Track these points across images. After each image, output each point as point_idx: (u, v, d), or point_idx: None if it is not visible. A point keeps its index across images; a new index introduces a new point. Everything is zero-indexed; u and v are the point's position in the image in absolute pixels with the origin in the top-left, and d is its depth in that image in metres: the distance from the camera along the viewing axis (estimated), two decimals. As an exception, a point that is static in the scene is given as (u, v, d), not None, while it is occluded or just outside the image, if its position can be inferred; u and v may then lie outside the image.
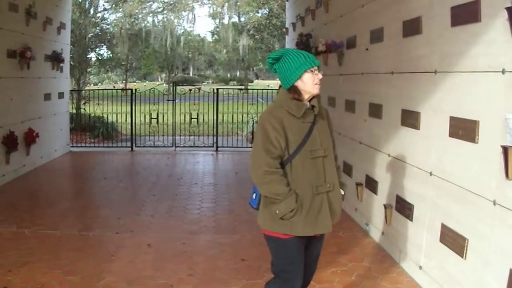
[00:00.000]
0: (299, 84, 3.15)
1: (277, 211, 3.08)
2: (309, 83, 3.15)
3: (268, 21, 24.95)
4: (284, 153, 3.11)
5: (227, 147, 12.93)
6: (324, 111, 3.37)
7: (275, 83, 27.27)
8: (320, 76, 3.18)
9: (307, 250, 3.33)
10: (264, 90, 15.10)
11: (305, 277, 3.41)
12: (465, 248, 3.74)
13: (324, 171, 3.18)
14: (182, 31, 39.12)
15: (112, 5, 24.00)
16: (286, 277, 3.27)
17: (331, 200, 3.20)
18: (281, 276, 3.29)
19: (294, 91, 3.17)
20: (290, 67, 3.15)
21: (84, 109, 15.74)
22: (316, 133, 3.17)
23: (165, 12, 29.94)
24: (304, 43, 9.13)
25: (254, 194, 3.31)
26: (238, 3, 28.82)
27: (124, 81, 44.06)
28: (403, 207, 4.94)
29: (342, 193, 3.36)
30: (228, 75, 59.82)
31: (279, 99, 3.25)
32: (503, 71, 3.30)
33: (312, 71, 3.16)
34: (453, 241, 3.92)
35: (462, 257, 3.78)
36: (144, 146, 13.01)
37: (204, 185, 8.67)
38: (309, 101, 3.21)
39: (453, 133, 3.96)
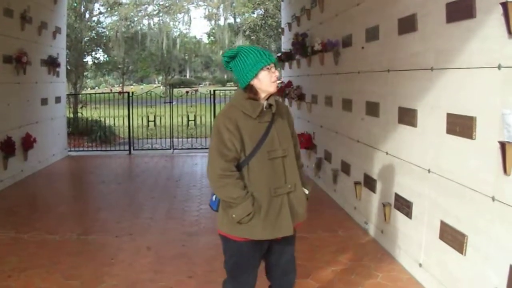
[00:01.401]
0: (255, 82, 3.04)
1: (234, 215, 3.00)
2: (266, 81, 3.03)
3: (263, 22, 24.93)
4: (240, 155, 3.02)
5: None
6: (284, 109, 3.29)
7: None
8: (277, 73, 3.08)
9: (274, 253, 3.25)
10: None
11: (283, 281, 3.34)
12: (465, 244, 3.74)
13: (285, 172, 3.09)
14: (178, 33, 39.07)
15: (108, 8, 23.96)
16: (239, 279, 3.22)
17: (292, 201, 3.11)
18: (233, 276, 3.23)
19: (250, 90, 3.06)
20: (245, 65, 3.02)
21: (82, 113, 15.73)
22: (274, 133, 3.08)
23: (160, 14, 29.87)
24: (300, 42, 9.14)
25: (214, 196, 3.22)
26: (234, 4, 28.80)
27: (121, 84, 44.05)
28: (402, 205, 4.93)
29: (306, 192, 3.27)
30: (225, 77, 59.71)
31: (234, 99, 3.17)
32: (499, 67, 3.30)
33: (268, 68, 3.03)
34: (453, 237, 3.92)
35: (461, 253, 3.78)
36: (142, 149, 13.01)
37: (202, 186, 8.65)
38: (267, 99, 3.11)
39: (450, 130, 3.96)
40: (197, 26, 64.19)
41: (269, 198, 3.03)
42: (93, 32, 22.43)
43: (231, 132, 2.98)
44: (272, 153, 3.04)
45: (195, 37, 51.87)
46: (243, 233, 3.06)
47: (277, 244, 3.21)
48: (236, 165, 3.03)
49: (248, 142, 3.01)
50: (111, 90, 33.26)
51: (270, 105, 3.10)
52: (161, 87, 42.05)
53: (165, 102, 13.73)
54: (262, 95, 3.08)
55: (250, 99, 3.06)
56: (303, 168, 3.42)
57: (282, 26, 12.50)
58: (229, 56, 3.12)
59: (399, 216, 5.01)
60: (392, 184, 5.23)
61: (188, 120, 13.43)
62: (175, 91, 13.67)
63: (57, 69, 11.23)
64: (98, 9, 23.53)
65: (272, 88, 3.07)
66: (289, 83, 10.80)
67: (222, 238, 3.23)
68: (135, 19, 28.42)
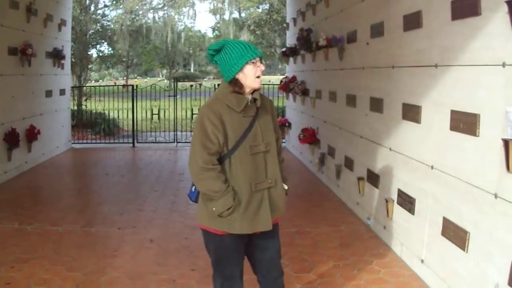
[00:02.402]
0: (240, 76, 3.03)
1: (214, 209, 3.00)
2: (251, 76, 3.02)
3: (268, 17, 24.83)
4: (223, 149, 3.02)
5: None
6: (268, 103, 3.26)
7: (276, 78, 27.19)
8: (262, 67, 3.06)
9: (257, 248, 3.24)
10: (265, 85, 15.09)
11: (271, 275, 3.31)
12: (467, 241, 3.75)
13: (266, 167, 3.10)
14: (182, 27, 38.96)
15: (113, 1, 23.93)
16: (225, 272, 3.22)
17: (272, 196, 3.12)
18: (219, 270, 3.24)
19: (234, 84, 3.05)
20: (231, 59, 3.01)
21: (86, 105, 15.75)
22: (257, 127, 3.07)
23: (165, 8, 29.84)
24: (304, 38, 9.13)
25: (193, 187, 3.22)
26: (239, -1, 28.78)
27: (125, 78, 44.01)
28: (405, 201, 4.94)
29: (286, 187, 3.28)
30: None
31: (219, 92, 3.15)
32: (503, 65, 3.30)
33: (254, 62, 3.02)
34: (455, 234, 3.93)
35: (463, 250, 3.78)
36: (146, 142, 13.05)
37: (205, 180, 8.65)
38: (252, 93, 3.10)
39: (454, 127, 3.96)
40: (202, 20, 64.17)
41: (249, 193, 3.03)
42: (98, 25, 22.43)
43: (214, 125, 2.97)
44: (254, 148, 3.05)
45: (200, 31, 51.78)
46: (222, 226, 3.06)
47: (259, 239, 3.20)
48: (217, 159, 3.04)
49: (231, 136, 3.00)
50: (115, 83, 33.27)
51: (254, 100, 3.10)
52: (165, 81, 42.02)
53: (169, 96, 13.72)
54: (247, 89, 3.07)
55: (235, 92, 3.06)
56: (284, 163, 3.42)
57: (287, 21, 12.48)
58: (214, 50, 3.10)
59: (402, 212, 5.02)
60: (395, 180, 5.24)
61: (192, 114, 13.43)
62: (180, 84, 13.65)
63: (62, 61, 11.24)
64: (103, 2, 23.56)
65: (257, 84, 3.06)
66: (294, 78, 10.81)
67: (202, 232, 3.23)
68: (140, 12, 28.38)
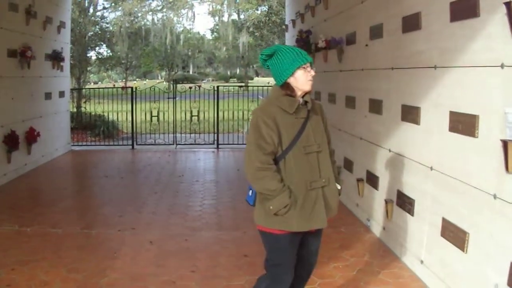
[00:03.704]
0: (291, 80, 3.14)
1: (271, 207, 3.07)
2: (302, 80, 3.14)
3: (267, 18, 24.91)
4: (278, 149, 3.11)
5: (228, 144, 12.94)
6: (318, 107, 3.38)
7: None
8: (312, 72, 3.17)
9: (304, 245, 3.34)
10: (264, 87, 15.10)
11: (305, 271, 3.46)
12: (466, 242, 3.76)
13: (319, 166, 3.19)
14: (181, 29, 39.05)
15: (112, 3, 23.99)
16: (278, 271, 3.28)
17: (326, 195, 3.21)
18: (272, 271, 3.31)
19: (286, 88, 3.16)
20: (282, 63, 3.14)
21: (85, 107, 15.75)
22: (309, 128, 3.18)
23: (164, 10, 29.89)
24: (304, 39, 9.13)
25: (251, 191, 3.32)
26: (238, 1, 28.81)
27: (124, 80, 44.04)
28: (404, 202, 4.95)
29: (339, 187, 3.36)
30: (228, 73, 59.67)
31: (271, 95, 3.26)
32: (502, 66, 3.31)
33: (304, 67, 3.13)
34: (454, 235, 3.94)
35: (463, 251, 3.79)
36: (145, 144, 13.03)
37: (205, 182, 8.69)
38: (302, 97, 3.20)
39: (453, 128, 3.98)
40: (201, 22, 64.28)
41: (305, 191, 3.12)
42: (97, 27, 22.47)
43: (269, 126, 3.07)
44: (307, 148, 3.14)
45: (198, 33, 51.85)
46: (279, 225, 3.14)
47: (310, 236, 3.32)
48: (273, 159, 3.12)
49: (285, 137, 3.11)
50: (114, 85, 33.27)
51: (305, 102, 3.20)
52: (164, 83, 42.05)
53: (168, 98, 13.72)
54: (298, 92, 3.17)
55: (287, 95, 3.16)
56: (336, 164, 3.52)
57: (286, 23, 12.50)
58: (267, 55, 3.23)
59: (401, 213, 5.03)
60: (395, 181, 5.25)
61: (191, 116, 13.43)
62: (179, 86, 13.63)
63: (61, 63, 11.24)
64: (102, 4, 23.61)
65: (308, 87, 3.16)
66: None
67: (261, 234, 3.31)
68: (139, 14, 28.44)
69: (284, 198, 3.05)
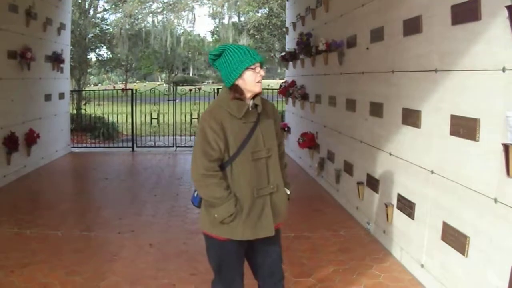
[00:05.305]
0: (239, 82, 2.99)
1: (216, 215, 2.99)
2: (250, 82, 2.99)
3: (268, 21, 24.85)
4: (224, 156, 3.00)
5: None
6: (271, 108, 3.24)
7: (275, 83, 27.21)
8: (262, 73, 3.01)
9: (259, 253, 3.24)
10: (264, 90, 15.10)
11: (270, 283, 3.31)
12: (467, 245, 3.75)
13: (268, 172, 3.09)
14: (182, 31, 38.97)
15: (112, 5, 23.98)
16: (226, 277, 3.21)
17: (274, 201, 3.12)
18: (220, 276, 3.22)
19: (234, 90, 3.01)
20: (230, 64, 2.97)
21: (85, 109, 15.74)
22: (259, 133, 3.06)
23: (165, 12, 29.84)
24: (304, 42, 9.15)
25: (196, 192, 3.21)
26: (238, 3, 28.77)
27: (124, 82, 44.06)
28: (405, 206, 4.94)
29: (288, 192, 3.27)
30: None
31: (220, 97, 3.11)
32: (503, 69, 3.31)
33: (253, 68, 2.97)
34: (455, 239, 3.93)
35: (463, 255, 3.78)
36: (145, 146, 13.03)
37: (205, 185, 8.65)
38: (253, 99, 3.06)
39: (453, 132, 3.97)
40: (201, 24, 64.20)
41: (251, 199, 3.03)
42: (97, 28, 22.50)
43: (215, 132, 2.95)
44: (255, 154, 3.04)
45: (199, 35, 51.81)
46: (224, 233, 3.06)
47: (260, 244, 3.19)
48: (219, 165, 3.03)
49: (232, 143, 2.99)
50: (114, 87, 33.28)
51: (255, 105, 3.08)
52: (164, 85, 42.06)
53: (168, 100, 13.72)
54: (247, 95, 3.04)
55: (235, 99, 3.02)
56: (286, 168, 3.42)
57: (287, 25, 12.50)
58: (215, 54, 3.07)
59: (402, 217, 5.02)
60: (395, 184, 5.24)
61: (191, 118, 13.44)
62: (179, 89, 13.66)
63: (61, 65, 11.24)
64: (103, 6, 23.60)
65: (257, 88, 3.03)
66: (293, 83, 10.82)
67: (205, 237, 3.22)
68: (139, 16, 28.40)
69: (229, 207, 2.97)
